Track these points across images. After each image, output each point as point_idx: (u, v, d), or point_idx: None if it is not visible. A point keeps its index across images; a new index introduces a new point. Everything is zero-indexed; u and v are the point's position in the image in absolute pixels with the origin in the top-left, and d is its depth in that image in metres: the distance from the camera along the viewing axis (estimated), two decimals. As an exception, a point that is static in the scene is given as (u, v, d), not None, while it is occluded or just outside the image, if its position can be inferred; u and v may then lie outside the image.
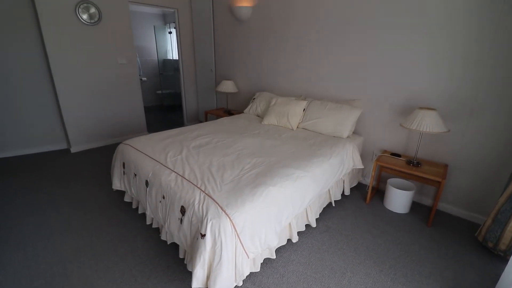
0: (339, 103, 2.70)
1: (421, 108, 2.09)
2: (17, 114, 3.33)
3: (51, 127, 3.58)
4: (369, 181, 2.57)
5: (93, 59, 3.51)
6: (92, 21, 3.40)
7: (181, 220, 1.47)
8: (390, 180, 2.46)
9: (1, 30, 3.01)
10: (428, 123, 1.99)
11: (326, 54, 2.84)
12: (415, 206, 2.44)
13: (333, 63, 2.82)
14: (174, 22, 4.47)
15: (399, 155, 2.41)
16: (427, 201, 2.48)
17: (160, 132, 2.53)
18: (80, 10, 3.27)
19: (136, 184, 1.95)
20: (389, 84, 2.46)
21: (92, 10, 3.37)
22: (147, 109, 4.85)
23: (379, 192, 2.69)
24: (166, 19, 6.37)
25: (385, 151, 2.54)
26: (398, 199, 2.32)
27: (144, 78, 6.00)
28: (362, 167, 2.48)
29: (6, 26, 3.02)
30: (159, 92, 6.32)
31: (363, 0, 2.44)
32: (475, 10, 1.92)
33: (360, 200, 2.54)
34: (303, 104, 2.79)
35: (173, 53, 6.19)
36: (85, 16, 3.33)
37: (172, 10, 4.25)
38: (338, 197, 2.39)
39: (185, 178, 1.64)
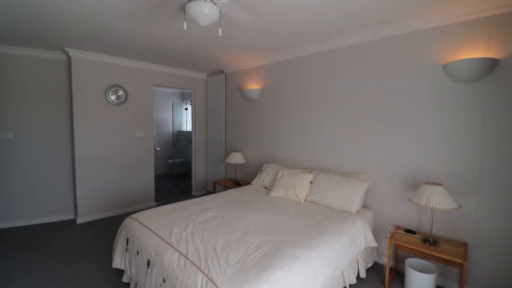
0: (345, 176, 2.73)
1: (427, 183, 2.09)
2: (32, 184, 3.46)
3: (61, 197, 3.64)
4: (385, 261, 2.37)
5: (113, 134, 3.82)
6: (119, 101, 3.84)
7: (181, 310, 1.36)
8: (408, 261, 2.27)
9: (36, 101, 3.40)
10: (437, 198, 1.96)
11: (333, 130, 3.00)
12: (441, 292, 2.18)
13: (338, 137, 2.97)
14: (190, 100, 4.99)
15: (413, 232, 2.29)
16: (452, 285, 2.22)
17: (167, 205, 2.55)
18: (110, 92, 3.75)
19: (137, 263, 1.87)
20: (395, 158, 2.52)
21: (120, 92, 3.85)
22: (157, 177, 4.98)
23: (399, 274, 2.45)
24: (183, 97, 7.13)
25: (398, 227, 2.42)
26: (420, 284, 2.08)
27: (158, 148, 6.35)
28: (376, 245, 2.33)
29: (41, 98, 3.43)
30: (171, 161, 6.57)
31: (368, 77, 2.68)
32: (472, 97, 2.08)
33: (378, 284, 2.30)
34: (310, 177, 2.84)
35: (187, 126, 6.69)
36: (113, 97, 3.79)
37: (190, 91, 4.81)
38: (353, 281, 2.18)
39: (188, 259, 1.58)
